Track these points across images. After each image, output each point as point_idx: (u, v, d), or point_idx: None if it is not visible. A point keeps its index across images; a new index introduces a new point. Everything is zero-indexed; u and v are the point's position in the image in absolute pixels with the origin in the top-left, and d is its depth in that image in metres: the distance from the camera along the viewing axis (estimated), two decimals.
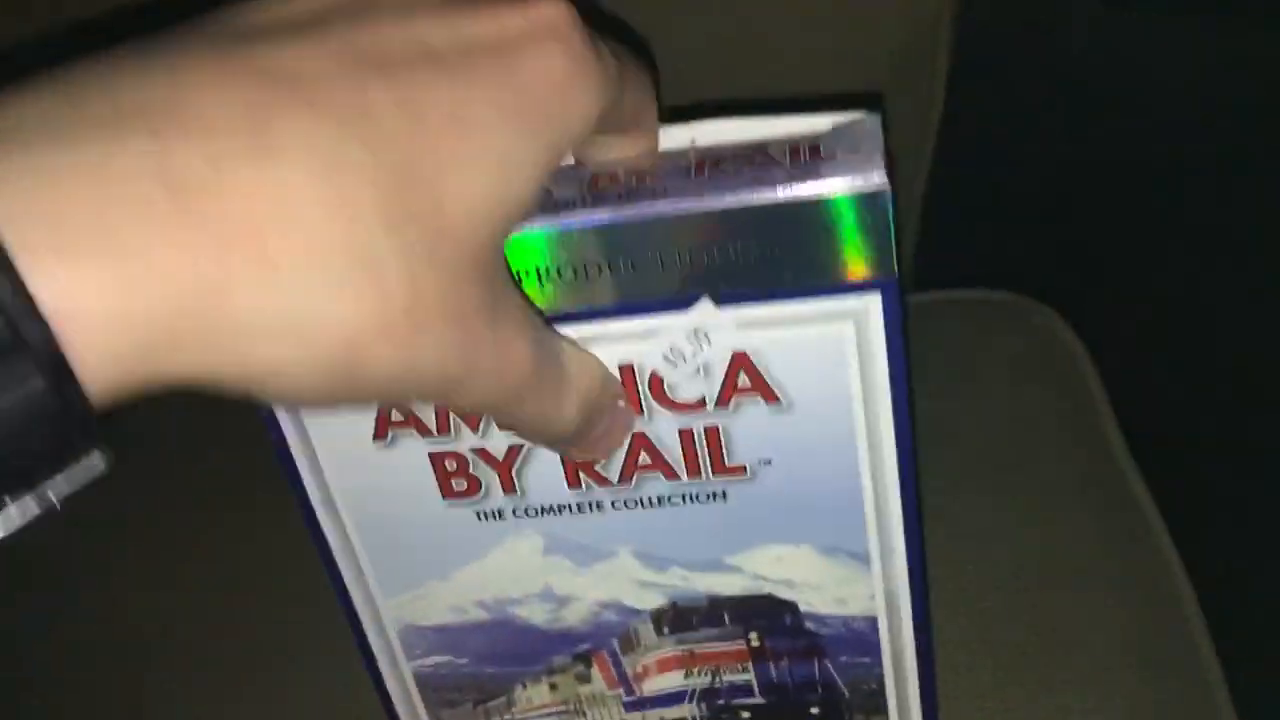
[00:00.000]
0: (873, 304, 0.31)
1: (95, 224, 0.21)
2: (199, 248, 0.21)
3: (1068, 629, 0.49)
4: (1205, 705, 0.49)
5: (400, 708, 0.41)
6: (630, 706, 0.40)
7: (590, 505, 0.35)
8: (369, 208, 0.23)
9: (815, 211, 0.29)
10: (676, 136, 0.31)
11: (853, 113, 0.31)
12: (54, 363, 0.20)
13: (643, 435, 0.34)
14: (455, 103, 0.24)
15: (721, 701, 0.40)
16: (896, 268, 0.30)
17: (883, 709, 0.39)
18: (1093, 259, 1.00)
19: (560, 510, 0.35)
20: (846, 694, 0.39)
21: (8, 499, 0.23)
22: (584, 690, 0.40)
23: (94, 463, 0.23)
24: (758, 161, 0.29)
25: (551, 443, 0.32)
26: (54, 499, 0.23)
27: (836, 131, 0.30)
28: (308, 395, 0.24)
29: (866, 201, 0.29)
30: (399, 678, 0.40)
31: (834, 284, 0.30)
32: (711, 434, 0.34)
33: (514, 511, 0.36)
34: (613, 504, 0.35)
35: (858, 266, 0.30)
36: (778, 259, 0.30)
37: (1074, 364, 0.59)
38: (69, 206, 0.20)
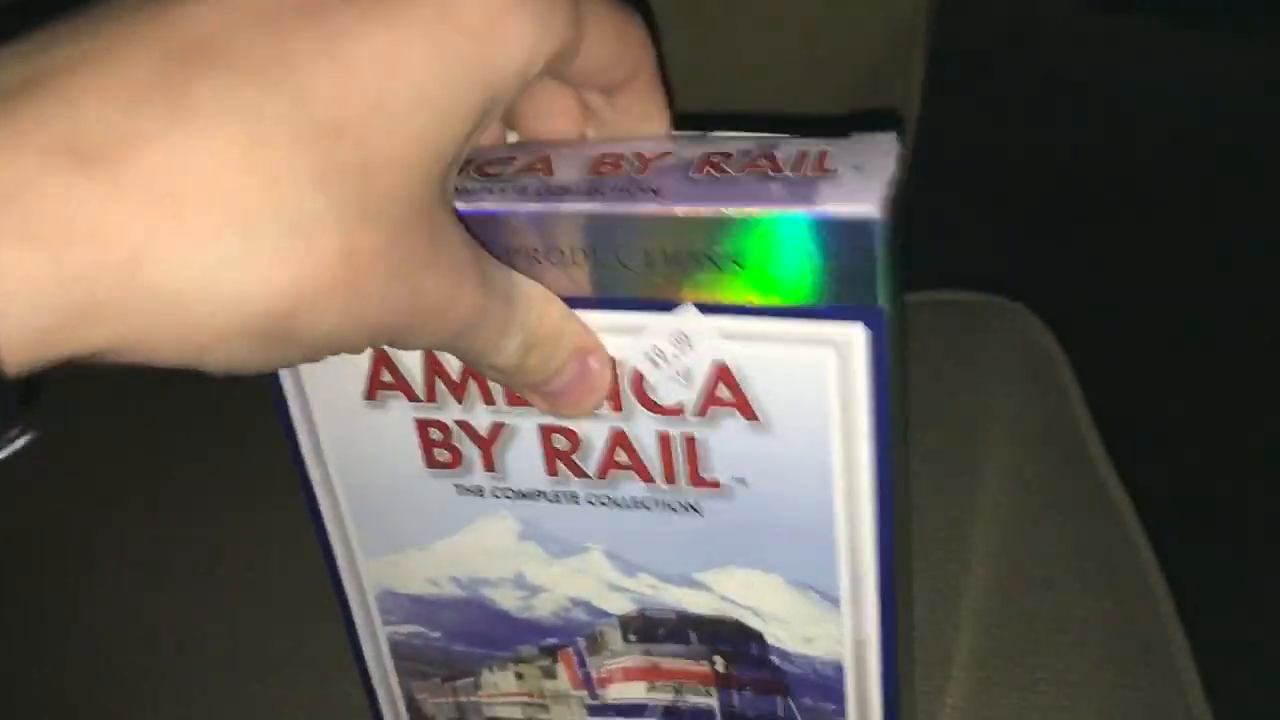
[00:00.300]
0: (855, 334, 0.30)
1: (8, 198, 0.20)
2: (116, 218, 0.21)
3: (1042, 629, 0.49)
4: (1180, 705, 0.48)
5: (374, 673, 0.41)
6: (594, 711, 0.40)
7: (566, 496, 0.35)
8: (294, 168, 0.22)
9: (799, 231, 0.28)
10: (689, 146, 0.30)
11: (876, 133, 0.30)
12: None
13: (622, 433, 0.33)
14: (380, 45, 0.24)
15: None
16: (887, 300, 0.29)
17: None
18: (1069, 260, 1.01)
19: (536, 496, 0.35)
20: None
21: None
22: (549, 685, 0.40)
23: (14, 435, 0.23)
24: (760, 167, 0.29)
25: (491, 375, 0.32)
26: None
27: (851, 145, 0.29)
28: (243, 363, 0.24)
29: (853, 229, 0.28)
30: (375, 643, 0.40)
31: (813, 308, 0.30)
32: (689, 443, 0.33)
33: (493, 491, 0.36)
34: (588, 499, 0.35)
35: (840, 294, 0.29)
36: (762, 274, 0.30)
37: (1050, 365, 0.59)
38: None
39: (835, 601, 0.34)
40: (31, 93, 0.21)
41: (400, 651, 0.40)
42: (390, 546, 0.38)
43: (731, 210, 0.28)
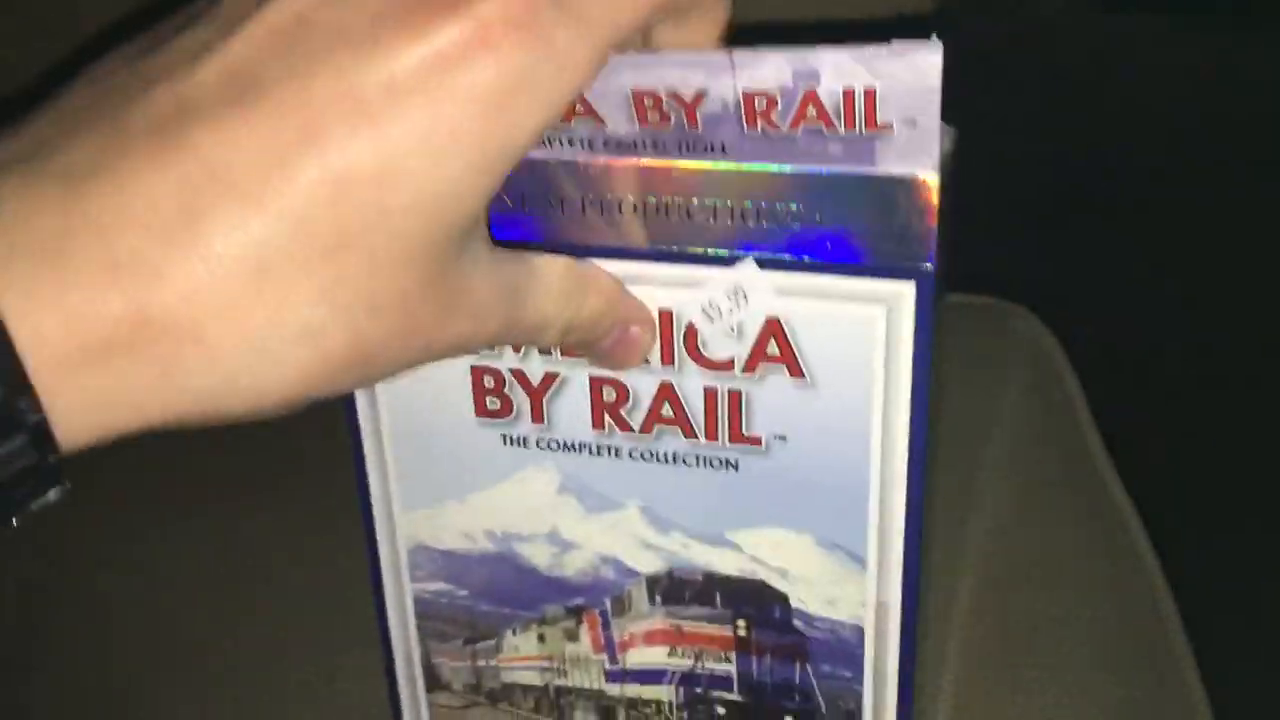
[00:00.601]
0: (906, 293, 0.32)
1: (79, 318, 0.24)
2: (151, 334, 0.25)
3: (1043, 629, 0.50)
4: (1181, 705, 0.49)
5: (395, 634, 0.42)
6: (612, 676, 0.41)
7: (609, 450, 0.37)
8: (297, 287, 0.25)
9: (859, 191, 0.31)
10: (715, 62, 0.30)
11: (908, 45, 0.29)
12: (40, 433, 0.25)
13: (669, 386, 0.35)
14: (381, 153, 0.25)
15: (700, 690, 0.40)
16: (938, 258, 0.32)
17: None
18: (1072, 263, 1.01)
19: (580, 449, 0.37)
20: (823, 708, 0.39)
21: None
22: (570, 649, 0.41)
23: (51, 497, 0.27)
24: (812, 120, 0.30)
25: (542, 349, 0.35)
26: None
27: (892, 83, 0.29)
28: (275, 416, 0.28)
29: (909, 189, 0.30)
30: (399, 601, 0.41)
31: (869, 266, 0.32)
32: (734, 399, 0.35)
33: (537, 441, 0.37)
34: (629, 453, 0.36)
35: (893, 252, 0.31)
36: (820, 230, 0.32)
37: (1052, 367, 0.60)
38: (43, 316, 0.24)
39: (862, 563, 0.36)
40: (72, 221, 0.24)
41: (424, 611, 0.41)
42: (429, 498, 0.39)
43: (793, 169, 0.31)
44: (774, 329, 0.34)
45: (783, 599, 0.37)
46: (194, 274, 0.24)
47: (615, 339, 0.34)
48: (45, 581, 0.57)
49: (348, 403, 0.39)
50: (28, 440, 0.25)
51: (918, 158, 0.30)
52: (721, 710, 0.40)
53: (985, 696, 0.48)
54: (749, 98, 0.30)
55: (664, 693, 0.40)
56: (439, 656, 0.42)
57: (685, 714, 0.40)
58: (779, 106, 0.30)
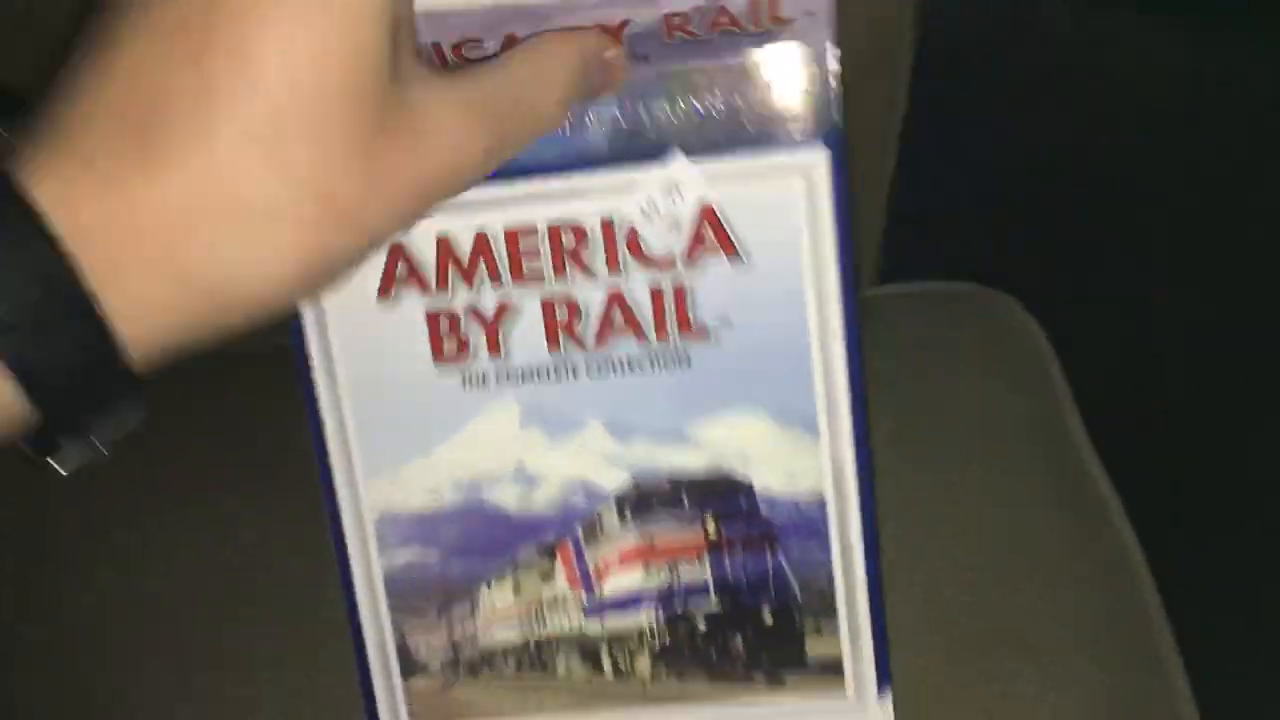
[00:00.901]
0: (820, 160, 0.37)
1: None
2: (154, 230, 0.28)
3: (1024, 619, 0.50)
4: (1164, 696, 0.50)
5: (365, 617, 0.42)
6: (590, 612, 0.42)
7: (567, 370, 0.39)
8: (255, 179, 0.28)
9: (771, 72, 0.36)
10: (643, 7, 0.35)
11: None
12: (97, 325, 0.27)
13: (618, 294, 0.38)
14: (273, 38, 0.28)
15: (678, 609, 0.41)
16: (841, 122, 0.36)
17: (833, 612, 0.41)
18: (1056, 250, 1.00)
19: (538, 375, 0.39)
20: (799, 593, 0.41)
21: (64, 443, 0.29)
22: (546, 592, 0.42)
23: (133, 413, 0.29)
24: (723, 24, 0.36)
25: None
26: (101, 445, 0.30)
27: None
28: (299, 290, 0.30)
29: (816, 61, 0.36)
30: (368, 579, 0.41)
31: (786, 142, 0.36)
32: (679, 293, 0.38)
33: (497, 376, 0.39)
34: (586, 369, 0.39)
35: (807, 123, 0.36)
36: (740, 118, 0.36)
37: (1036, 355, 0.60)
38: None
39: (815, 429, 0.39)
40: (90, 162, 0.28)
41: (395, 589, 0.42)
42: (394, 460, 0.40)
43: (718, 60, 0.36)
44: (708, 216, 0.37)
45: (746, 487, 0.40)
46: (190, 179, 0.27)
47: (600, 79, 0.36)
48: (39, 575, 0.54)
49: (304, 372, 0.40)
50: (92, 332, 0.27)
51: (817, 37, 0.35)
52: (702, 626, 0.41)
53: (965, 686, 0.48)
54: (668, 18, 0.35)
55: (644, 620, 0.41)
56: (413, 635, 0.42)
57: (667, 638, 0.41)
58: (694, 20, 0.35)
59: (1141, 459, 0.63)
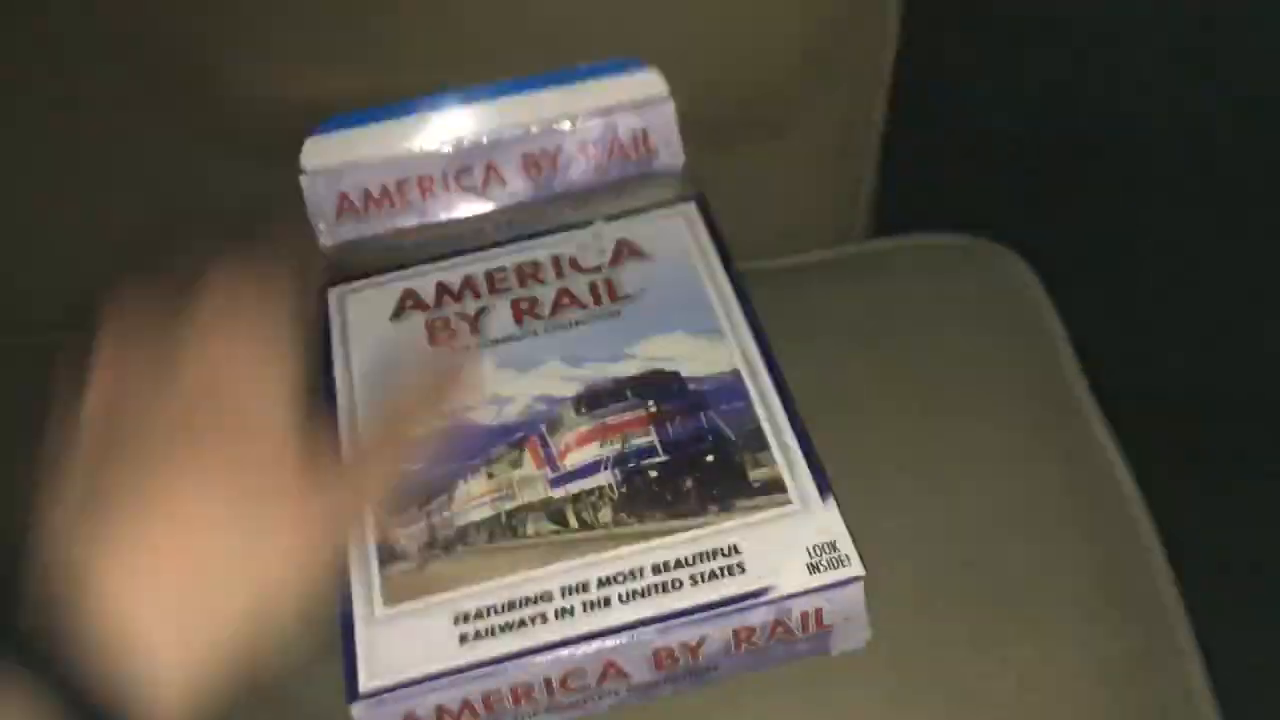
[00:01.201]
0: (691, 210, 0.56)
1: None
2: None
3: (1025, 579, 0.48)
4: (1171, 658, 0.47)
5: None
6: (555, 483, 0.46)
7: (529, 333, 0.52)
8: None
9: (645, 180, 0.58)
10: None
11: None
12: None
13: (565, 290, 0.53)
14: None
15: (631, 465, 0.46)
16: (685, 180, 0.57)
17: (765, 445, 0.46)
18: (1055, 201, 0.75)
19: (509, 340, 0.51)
20: (732, 435, 0.46)
21: None
22: (516, 474, 0.46)
23: None
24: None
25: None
26: None
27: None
28: None
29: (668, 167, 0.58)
30: None
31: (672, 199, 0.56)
32: (608, 283, 0.53)
33: (476, 346, 0.51)
34: (545, 330, 0.52)
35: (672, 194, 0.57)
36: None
37: (1035, 308, 0.58)
38: None
39: (721, 333, 0.50)
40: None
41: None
42: None
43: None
44: (623, 243, 0.55)
45: (676, 376, 0.49)
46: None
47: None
48: None
49: (326, 365, 0.51)
50: None
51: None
52: (654, 473, 0.46)
53: (961, 651, 0.46)
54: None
55: (602, 479, 0.46)
56: (393, 530, 0.45)
57: (625, 489, 0.46)
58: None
59: (1144, 411, 0.58)
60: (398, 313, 0.54)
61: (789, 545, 0.43)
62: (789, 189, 0.60)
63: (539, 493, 0.47)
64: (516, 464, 0.48)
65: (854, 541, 0.43)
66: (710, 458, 0.47)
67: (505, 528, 0.46)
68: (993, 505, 0.50)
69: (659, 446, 0.47)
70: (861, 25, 0.57)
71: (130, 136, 0.60)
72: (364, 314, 0.54)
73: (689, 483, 0.46)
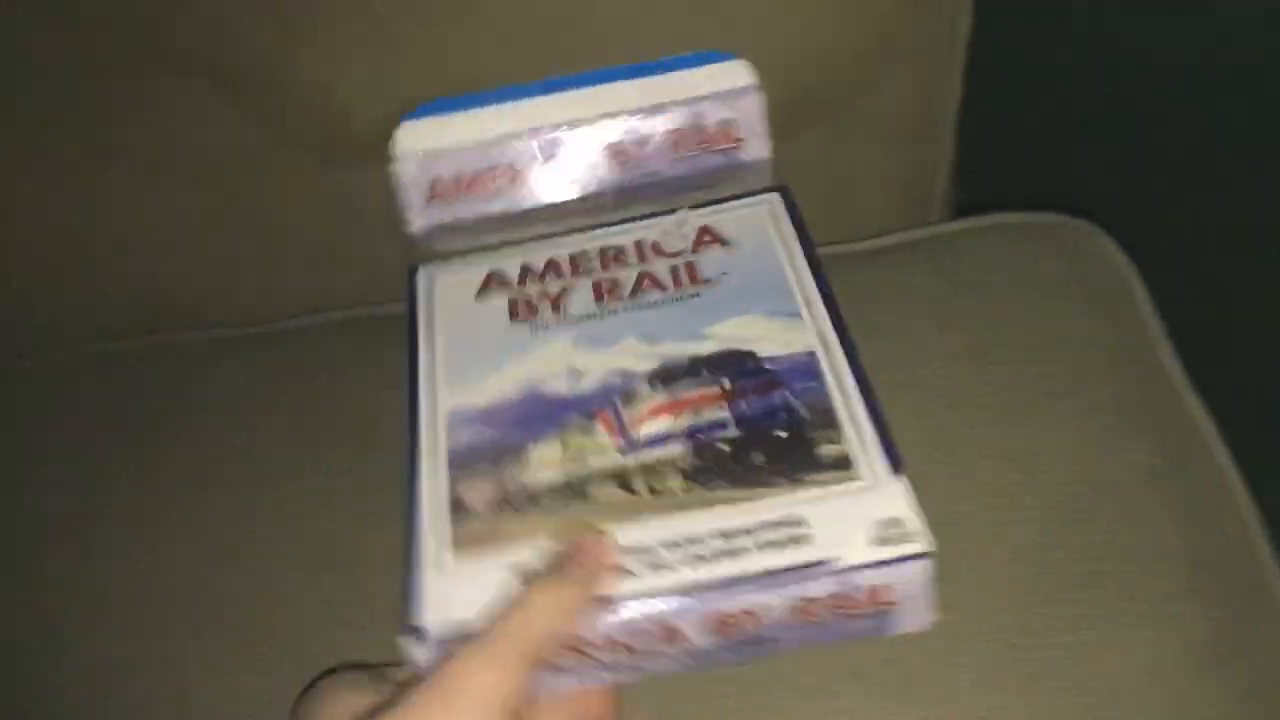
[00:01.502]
0: (776, 197, 0.56)
1: None
2: None
3: (1111, 561, 0.47)
4: (1273, 635, 0.46)
5: (424, 475, 0.46)
6: (626, 451, 0.46)
7: (609, 312, 0.52)
8: None
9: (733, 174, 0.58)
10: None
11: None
12: None
13: (648, 273, 0.54)
14: None
15: (703, 438, 0.46)
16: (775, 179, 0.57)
17: (837, 423, 0.46)
18: (1142, 178, 0.68)
19: (589, 319, 0.52)
20: (805, 413, 0.46)
21: None
22: (588, 442, 0.47)
23: None
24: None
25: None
26: None
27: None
28: None
29: (756, 169, 0.59)
30: (434, 457, 0.47)
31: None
32: (689, 265, 0.54)
33: (556, 324, 0.52)
34: (624, 309, 0.52)
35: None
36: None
37: (1123, 285, 0.57)
38: None
39: (799, 317, 0.50)
40: None
41: (455, 461, 0.47)
42: (469, 378, 0.50)
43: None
44: (705, 230, 0.55)
45: (752, 355, 0.49)
46: None
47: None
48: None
49: (412, 337, 0.53)
50: None
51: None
52: (725, 447, 0.46)
53: (1046, 633, 0.46)
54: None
55: (673, 449, 0.46)
56: (466, 488, 0.46)
57: (695, 460, 0.46)
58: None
59: (1238, 388, 0.56)
60: (482, 291, 0.55)
61: (856, 519, 0.43)
62: (865, 171, 0.60)
63: (610, 460, 0.47)
64: (588, 433, 0.48)
65: (923, 520, 0.43)
66: (782, 434, 0.47)
67: (575, 492, 0.46)
68: (1079, 487, 0.49)
69: (732, 421, 0.47)
70: (935, 2, 0.56)
71: (210, 143, 0.63)
72: (450, 293, 0.55)
73: (759, 457, 0.46)
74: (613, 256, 0.55)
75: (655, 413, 0.48)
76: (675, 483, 0.45)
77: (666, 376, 0.49)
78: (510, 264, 0.56)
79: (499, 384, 0.51)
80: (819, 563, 0.42)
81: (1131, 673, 0.45)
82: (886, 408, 0.47)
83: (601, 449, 0.47)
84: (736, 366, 0.49)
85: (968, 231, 0.60)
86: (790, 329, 0.50)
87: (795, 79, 0.58)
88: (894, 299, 0.54)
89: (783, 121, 0.56)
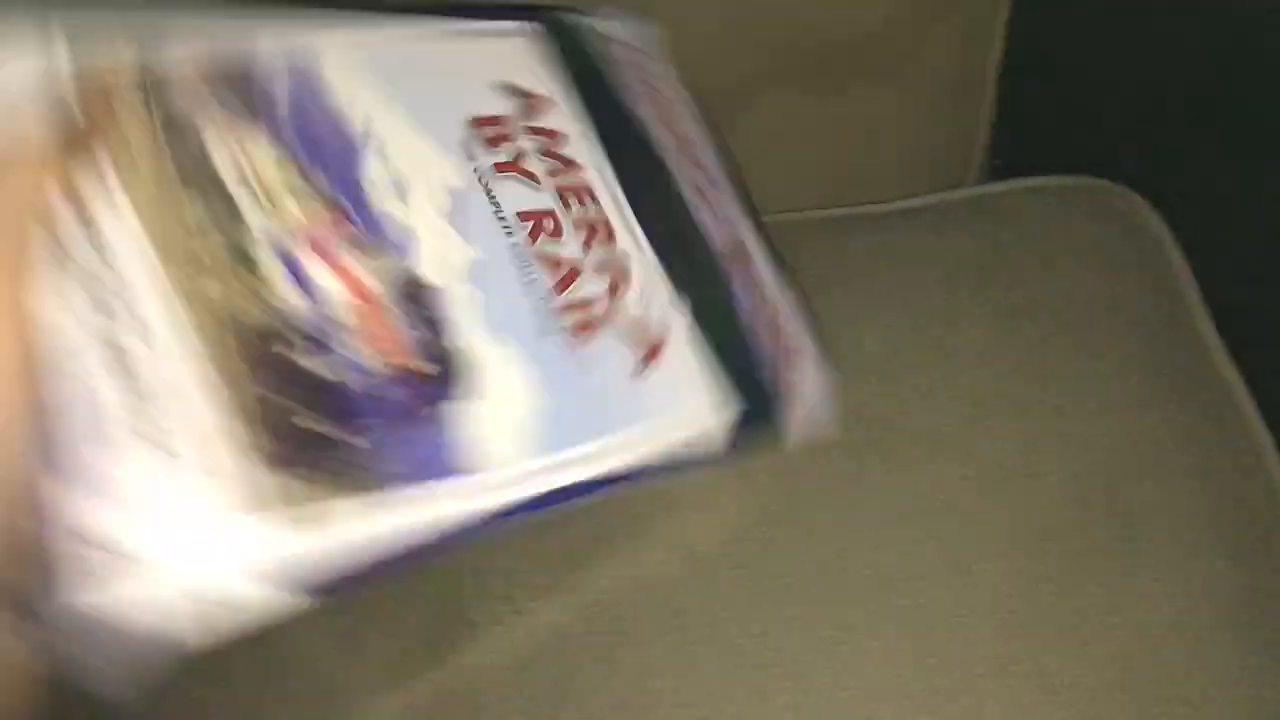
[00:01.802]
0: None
1: None
2: None
3: (1141, 519, 0.48)
4: None
5: None
6: None
7: None
8: None
9: None
10: None
11: None
12: None
13: None
14: None
15: None
16: None
17: None
18: (1180, 142, 0.67)
19: None
20: None
21: None
22: None
23: None
24: None
25: None
26: None
27: None
28: None
29: None
30: None
31: None
32: None
33: None
34: None
35: None
36: None
37: (1159, 248, 0.57)
38: None
39: None
40: None
41: None
42: None
43: None
44: None
45: None
46: None
47: None
48: None
49: None
50: None
51: None
52: None
53: (1075, 588, 0.47)
54: None
55: None
56: None
57: None
58: None
59: (1272, 351, 0.56)
60: None
61: None
62: (903, 131, 0.59)
63: None
64: None
65: None
66: None
67: None
68: (1111, 444, 0.50)
69: None
70: None
71: None
72: None
73: None
74: None
75: None
76: None
77: None
78: None
79: None
80: None
81: (1157, 628, 0.46)
82: (920, 366, 0.48)
83: None
84: None
85: (1005, 193, 0.59)
86: None
87: (835, 37, 0.56)
88: (930, 258, 0.54)
89: (820, 80, 0.56)
